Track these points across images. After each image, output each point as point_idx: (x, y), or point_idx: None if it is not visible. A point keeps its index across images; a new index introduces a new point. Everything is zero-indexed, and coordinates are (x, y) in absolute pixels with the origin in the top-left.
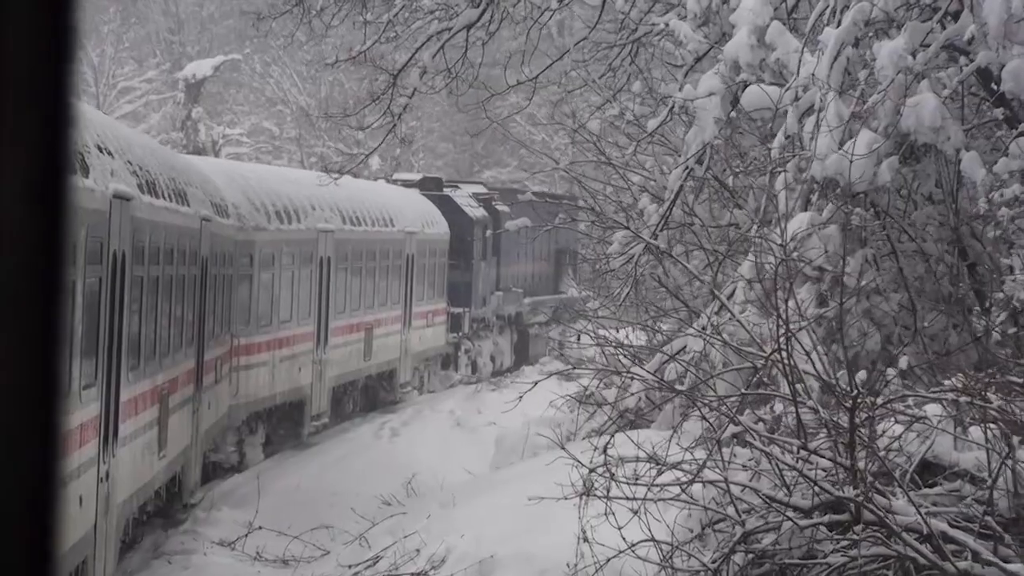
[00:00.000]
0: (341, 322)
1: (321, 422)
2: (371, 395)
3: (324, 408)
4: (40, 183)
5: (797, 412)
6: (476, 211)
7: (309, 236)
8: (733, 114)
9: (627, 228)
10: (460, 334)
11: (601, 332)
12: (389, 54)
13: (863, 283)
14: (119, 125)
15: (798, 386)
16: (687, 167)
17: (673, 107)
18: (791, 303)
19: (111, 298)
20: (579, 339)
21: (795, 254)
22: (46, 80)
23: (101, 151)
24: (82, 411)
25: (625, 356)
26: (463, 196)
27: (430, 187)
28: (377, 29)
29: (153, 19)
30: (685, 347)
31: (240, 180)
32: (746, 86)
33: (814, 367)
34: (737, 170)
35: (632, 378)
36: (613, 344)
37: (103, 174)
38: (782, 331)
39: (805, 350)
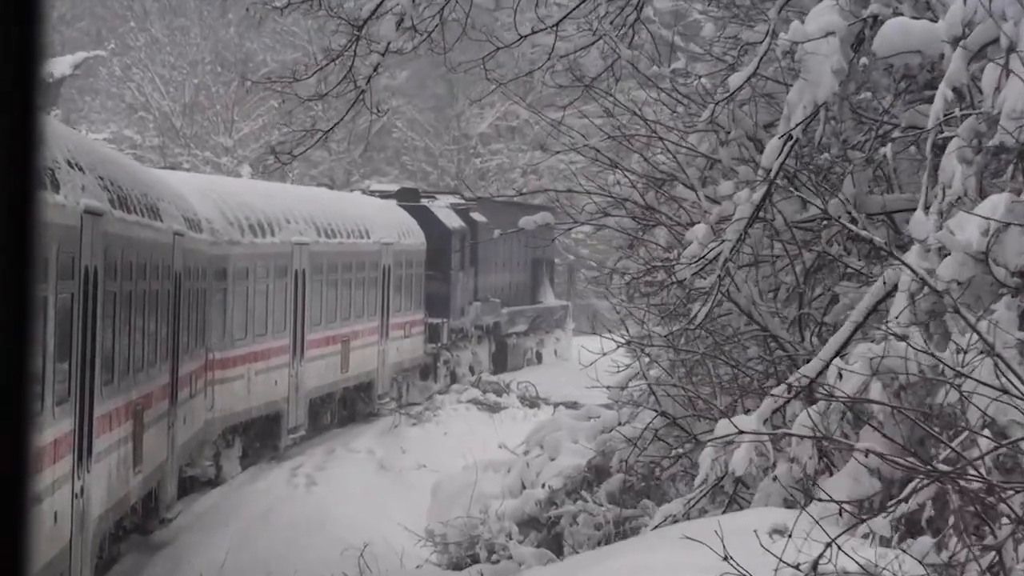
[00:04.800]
0: (317, 335)
1: (299, 434)
2: (349, 407)
3: (301, 421)
4: (10, 199)
5: None
6: (453, 221)
7: (283, 249)
8: (865, 61)
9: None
10: (439, 345)
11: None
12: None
13: None
14: (90, 141)
15: None
16: (790, 136)
17: (765, 55)
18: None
19: (84, 314)
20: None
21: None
22: (14, 95)
23: (71, 166)
24: (55, 427)
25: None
26: (440, 207)
27: (407, 198)
28: None
29: None
30: (820, 377)
31: (213, 194)
32: (875, 22)
33: None
34: (852, 144)
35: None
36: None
37: (74, 189)
38: None
39: None
